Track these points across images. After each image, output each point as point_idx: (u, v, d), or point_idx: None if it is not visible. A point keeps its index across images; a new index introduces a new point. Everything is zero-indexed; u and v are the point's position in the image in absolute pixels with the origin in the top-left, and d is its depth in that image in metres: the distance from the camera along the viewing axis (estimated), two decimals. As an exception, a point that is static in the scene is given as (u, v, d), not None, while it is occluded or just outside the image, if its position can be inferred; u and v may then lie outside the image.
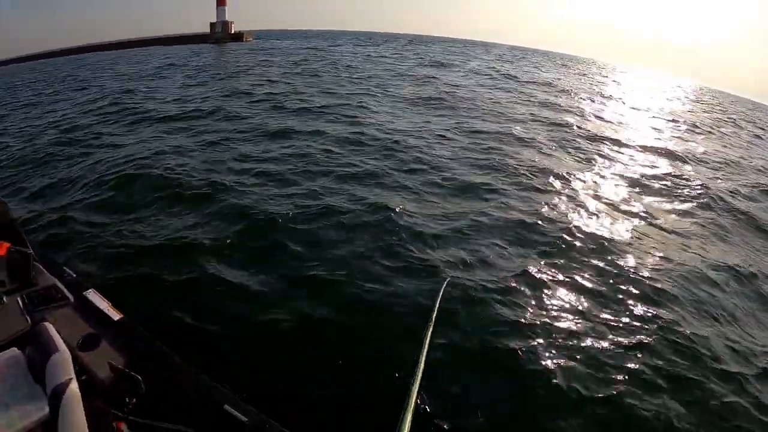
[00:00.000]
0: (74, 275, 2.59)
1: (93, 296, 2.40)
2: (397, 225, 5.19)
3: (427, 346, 1.74)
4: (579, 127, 11.97)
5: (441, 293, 2.90)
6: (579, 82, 27.42)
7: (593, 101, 18.20)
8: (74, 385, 1.51)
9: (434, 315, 2.23)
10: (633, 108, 18.42)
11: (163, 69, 21.45)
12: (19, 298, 2.23)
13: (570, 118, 13.10)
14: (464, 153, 8.47)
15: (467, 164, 7.85)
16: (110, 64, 26.43)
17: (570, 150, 9.67)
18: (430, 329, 1.99)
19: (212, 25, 48.99)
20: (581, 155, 9.39)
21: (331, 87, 15.10)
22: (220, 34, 47.55)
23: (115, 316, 2.29)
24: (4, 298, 2.17)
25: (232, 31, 48.50)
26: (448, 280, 3.73)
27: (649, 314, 4.14)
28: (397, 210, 5.53)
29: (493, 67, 28.60)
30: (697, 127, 16.61)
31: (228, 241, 4.73)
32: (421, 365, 1.56)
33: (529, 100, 15.77)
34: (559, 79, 26.96)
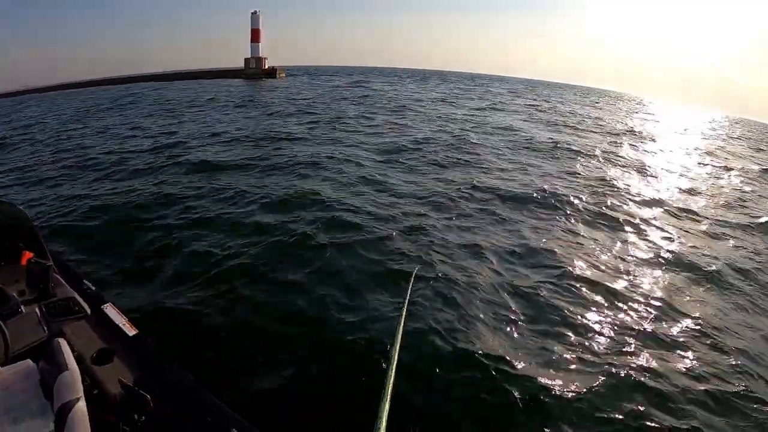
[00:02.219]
0: (93, 288, 2.61)
1: (110, 310, 2.40)
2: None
3: (400, 333, 1.75)
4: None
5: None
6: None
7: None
8: (81, 405, 1.49)
9: (406, 302, 2.36)
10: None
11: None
12: (37, 309, 2.24)
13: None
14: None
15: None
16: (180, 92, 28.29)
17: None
18: (403, 316, 2.01)
19: (246, 60, 51.51)
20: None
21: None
22: (254, 70, 49.88)
23: (131, 331, 2.28)
24: (23, 308, 2.19)
25: (266, 67, 50.83)
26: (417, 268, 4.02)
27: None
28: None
29: (599, 118, 26.20)
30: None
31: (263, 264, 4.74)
32: (396, 352, 1.56)
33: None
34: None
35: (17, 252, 2.50)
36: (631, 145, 16.36)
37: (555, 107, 30.45)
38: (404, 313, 2.01)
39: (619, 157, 13.48)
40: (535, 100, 36.19)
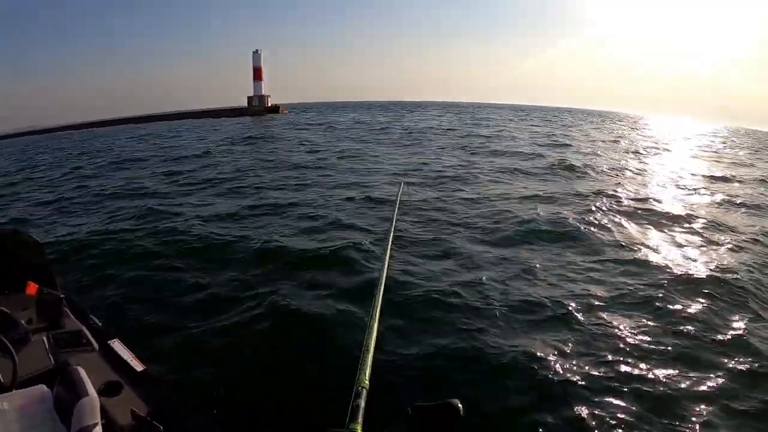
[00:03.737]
0: (100, 324, 2.62)
1: (117, 346, 2.41)
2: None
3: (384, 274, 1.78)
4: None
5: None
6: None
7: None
8: (99, 430, 1.51)
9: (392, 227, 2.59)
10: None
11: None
12: (45, 338, 2.26)
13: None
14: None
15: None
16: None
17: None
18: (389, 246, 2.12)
19: (250, 98, 53.08)
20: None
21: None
22: (258, 108, 51.33)
23: (138, 366, 2.28)
24: (31, 337, 2.21)
25: (269, 104, 52.30)
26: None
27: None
28: None
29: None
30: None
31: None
32: (379, 301, 1.55)
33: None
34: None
35: (24, 281, 2.53)
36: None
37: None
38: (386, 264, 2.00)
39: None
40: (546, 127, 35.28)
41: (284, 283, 4.96)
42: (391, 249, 2.17)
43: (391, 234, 2.50)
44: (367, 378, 1.13)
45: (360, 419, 0.99)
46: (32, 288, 2.47)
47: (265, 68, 53.22)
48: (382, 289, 1.67)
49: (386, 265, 1.96)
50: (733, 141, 35.98)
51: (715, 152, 23.88)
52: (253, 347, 3.81)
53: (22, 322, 2.24)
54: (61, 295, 2.47)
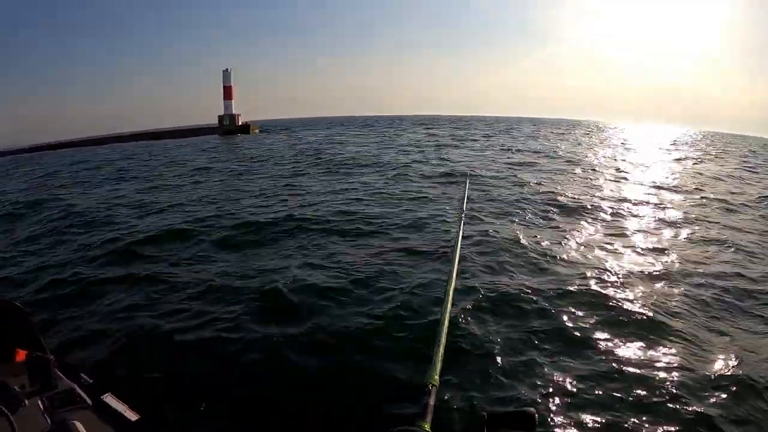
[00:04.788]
0: (90, 380, 2.63)
1: (110, 399, 2.45)
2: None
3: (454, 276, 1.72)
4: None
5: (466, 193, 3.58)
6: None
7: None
8: None
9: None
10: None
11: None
12: (39, 401, 2.27)
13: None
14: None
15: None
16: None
17: None
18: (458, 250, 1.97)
19: (220, 117, 53.18)
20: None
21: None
22: (229, 126, 51.60)
23: (133, 417, 2.35)
24: (26, 401, 2.21)
25: (240, 123, 52.65)
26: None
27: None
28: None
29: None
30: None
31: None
32: (450, 295, 1.52)
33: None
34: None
35: (12, 349, 2.55)
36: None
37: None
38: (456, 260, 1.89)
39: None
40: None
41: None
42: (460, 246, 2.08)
43: (461, 231, 2.34)
44: (437, 374, 1.11)
45: (429, 418, 0.98)
46: (21, 354, 2.49)
47: (235, 88, 53.69)
48: (453, 284, 1.62)
49: (457, 258, 1.90)
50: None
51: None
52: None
53: (15, 387, 2.23)
54: (50, 357, 2.46)
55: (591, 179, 15.69)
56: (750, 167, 23.51)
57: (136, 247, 8.13)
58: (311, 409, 3.63)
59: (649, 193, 13.31)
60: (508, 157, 21.54)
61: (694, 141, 47.65)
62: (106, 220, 10.45)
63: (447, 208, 10.41)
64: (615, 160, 22.73)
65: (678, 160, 24.85)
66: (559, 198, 11.72)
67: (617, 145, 35.47)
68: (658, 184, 15.13)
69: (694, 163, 23.45)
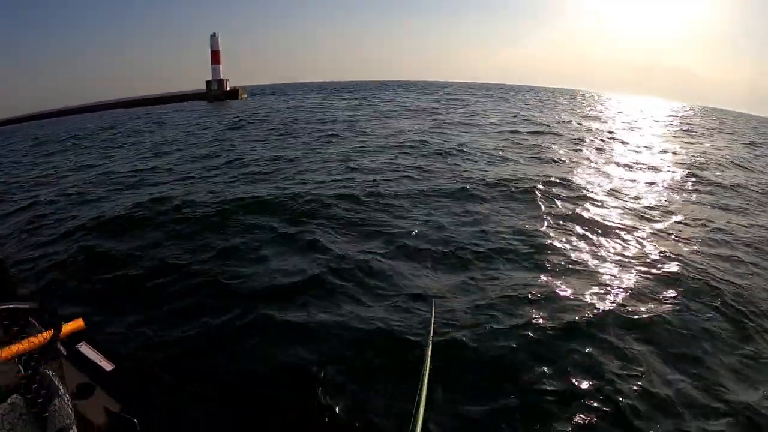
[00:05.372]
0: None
1: (85, 349, 2.41)
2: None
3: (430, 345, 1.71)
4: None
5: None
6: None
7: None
8: (75, 430, 1.60)
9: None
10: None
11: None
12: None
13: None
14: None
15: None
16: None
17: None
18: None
19: (208, 83, 51.66)
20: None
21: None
22: (217, 92, 50.19)
23: (108, 366, 2.33)
24: None
25: (228, 89, 51.21)
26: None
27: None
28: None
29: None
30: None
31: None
32: (427, 366, 1.54)
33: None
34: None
35: None
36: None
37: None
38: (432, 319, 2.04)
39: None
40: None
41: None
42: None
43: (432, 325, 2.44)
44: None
45: None
46: None
47: (223, 52, 51.92)
48: (430, 349, 1.67)
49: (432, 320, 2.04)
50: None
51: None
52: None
53: None
54: (25, 306, 2.36)
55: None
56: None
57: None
58: (300, 396, 3.58)
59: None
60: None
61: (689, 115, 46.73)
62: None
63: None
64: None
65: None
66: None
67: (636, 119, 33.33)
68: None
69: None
